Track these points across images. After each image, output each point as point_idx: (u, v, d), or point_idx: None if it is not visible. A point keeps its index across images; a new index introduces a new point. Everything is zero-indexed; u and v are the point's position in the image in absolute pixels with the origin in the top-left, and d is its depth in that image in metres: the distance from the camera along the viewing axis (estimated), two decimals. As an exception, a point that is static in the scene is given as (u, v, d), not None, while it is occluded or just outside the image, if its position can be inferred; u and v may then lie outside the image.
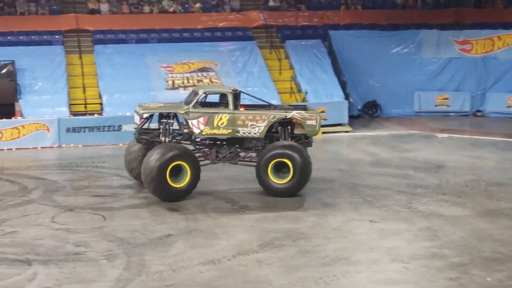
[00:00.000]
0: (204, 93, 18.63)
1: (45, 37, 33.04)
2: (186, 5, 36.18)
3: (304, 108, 19.61)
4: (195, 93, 18.87)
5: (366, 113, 33.70)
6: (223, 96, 18.98)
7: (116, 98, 29.30)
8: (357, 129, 30.22)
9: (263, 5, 36.97)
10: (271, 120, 18.57)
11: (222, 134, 18.51)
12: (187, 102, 18.71)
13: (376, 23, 36.32)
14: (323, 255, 13.71)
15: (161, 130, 18.50)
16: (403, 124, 31.39)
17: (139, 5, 35.81)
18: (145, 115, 18.33)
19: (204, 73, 31.90)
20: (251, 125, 18.48)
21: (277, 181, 18.19)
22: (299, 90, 32.13)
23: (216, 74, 31.94)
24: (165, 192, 17.67)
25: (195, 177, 17.87)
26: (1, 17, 33.63)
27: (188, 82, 31.19)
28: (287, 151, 18.08)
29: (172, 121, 18.53)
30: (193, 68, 31.98)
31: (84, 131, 26.89)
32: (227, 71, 32.22)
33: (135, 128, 18.93)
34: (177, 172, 17.68)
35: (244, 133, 18.53)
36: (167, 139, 18.26)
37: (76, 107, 29.12)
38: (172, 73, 31.53)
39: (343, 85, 32.39)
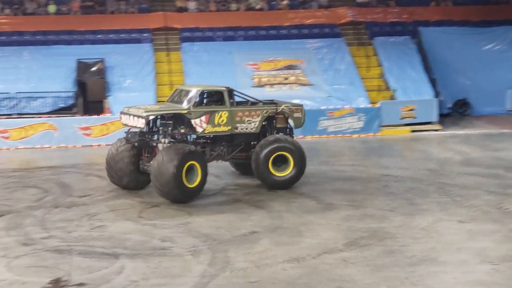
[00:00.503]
0: (201, 92, 18.62)
1: (133, 35, 33.63)
2: (273, 2, 36.19)
3: (275, 103, 19.94)
4: (182, 92, 18.85)
5: (456, 112, 33.02)
6: (215, 94, 18.88)
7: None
8: (447, 128, 29.58)
9: (351, 1, 36.63)
10: (264, 114, 19.09)
11: (222, 131, 18.63)
12: (176, 102, 18.63)
13: (467, 19, 35.57)
14: (409, 255, 13.39)
15: (160, 132, 18.33)
16: (495, 123, 30.57)
17: (226, 3, 36.03)
18: (150, 117, 17.92)
19: (291, 71, 31.83)
20: (248, 120, 18.81)
21: (278, 174, 18.67)
22: (387, 88, 31.70)
23: (302, 72, 31.81)
24: (181, 193, 17.24)
25: (205, 176, 17.70)
26: (92, 15, 34.38)
27: (275, 79, 31.18)
28: (287, 145, 18.68)
29: (171, 122, 18.17)
30: (279, 66, 31.96)
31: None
32: (313, 69, 32.07)
33: (126, 132, 18.84)
34: (188, 172, 17.35)
35: (242, 129, 18.81)
36: (166, 140, 17.98)
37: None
38: (258, 71, 31.59)
39: (433, 82, 31.81)
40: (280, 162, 18.68)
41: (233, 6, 35.78)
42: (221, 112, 18.45)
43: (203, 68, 31.21)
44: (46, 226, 15.59)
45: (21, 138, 26.40)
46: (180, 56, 32.33)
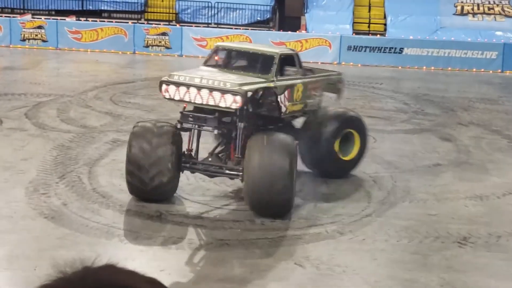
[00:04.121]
0: (281, 56, 12.55)
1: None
2: None
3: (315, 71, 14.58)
4: (242, 55, 12.93)
5: None
6: (287, 59, 12.83)
7: (401, 19, 28.74)
8: None
9: None
10: (323, 86, 14.02)
11: (295, 111, 13.18)
12: (234, 68, 12.54)
13: None
14: None
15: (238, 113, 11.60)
16: None
17: None
18: (249, 94, 11.41)
19: (496, 0, 30.15)
20: (313, 95, 13.62)
21: (344, 158, 13.45)
22: None
23: (508, 3, 30.06)
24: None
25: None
26: None
27: (478, 9, 29.70)
28: (354, 120, 13.90)
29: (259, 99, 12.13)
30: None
31: (364, 51, 26.79)
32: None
33: (184, 115, 11.72)
34: None
35: (309, 106, 13.45)
36: (242, 125, 11.70)
37: (360, 25, 29.03)
38: (462, -2, 30.19)
39: None
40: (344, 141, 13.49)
41: None
42: (298, 85, 12.82)
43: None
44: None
45: (217, 48, 27.04)
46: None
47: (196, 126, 11.66)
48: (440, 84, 23.63)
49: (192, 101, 11.34)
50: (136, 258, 9.40)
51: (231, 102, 11.13)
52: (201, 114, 11.56)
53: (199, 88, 11.25)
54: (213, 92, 11.21)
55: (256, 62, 12.52)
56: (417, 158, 15.03)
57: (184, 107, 11.76)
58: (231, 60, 12.74)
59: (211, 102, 11.24)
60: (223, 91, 11.19)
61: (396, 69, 25.87)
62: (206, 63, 12.49)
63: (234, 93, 11.13)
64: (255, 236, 10.60)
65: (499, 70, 26.42)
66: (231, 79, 11.55)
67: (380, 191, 12.83)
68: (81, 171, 13.02)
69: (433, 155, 15.28)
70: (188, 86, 11.32)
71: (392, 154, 15.19)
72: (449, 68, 26.50)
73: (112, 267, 1.47)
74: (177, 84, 11.37)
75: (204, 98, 11.23)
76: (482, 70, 26.45)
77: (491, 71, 26.37)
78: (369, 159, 14.67)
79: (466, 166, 14.64)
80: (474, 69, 26.47)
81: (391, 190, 12.86)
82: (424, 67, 26.48)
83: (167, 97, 11.52)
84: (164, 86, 11.41)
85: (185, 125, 11.67)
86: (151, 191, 11.41)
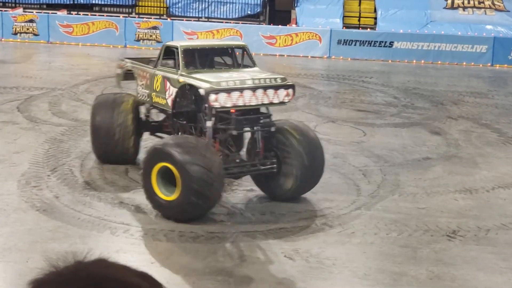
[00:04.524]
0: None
1: None
2: None
3: None
4: (217, 51, 12.66)
5: None
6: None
7: (391, 13, 28.84)
8: None
9: None
10: None
11: None
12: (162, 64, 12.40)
13: None
14: None
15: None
16: None
17: None
18: None
19: (486, -6, 30.24)
20: None
21: None
22: None
23: (498, -4, 30.15)
24: None
25: None
26: None
27: (469, 3, 29.81)
28: None
29: None
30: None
31: (355, 44, 26.86)
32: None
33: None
34: None
35: None
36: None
37: (350, 19, 29.10)
38: (452, -8, 30.30)
39: None
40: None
41: None
42: None
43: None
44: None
45: (208, 42, 27.06)
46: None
47: (259, 128, 11.51)
48: (430, 78, 23.74)
49: (247, 104, 11.16)
50: (128, 251, 9.45)
51: (284, 96, 11.38)
52: (253, 116, 11.51)
53: (254, 89, 11.15)
54: (268, 90, 11.25)
55: (229, 56, 12.42)
56: (407, 151, 15.12)
57: (231, 112, 11.26)
58: (201, 59, 12.15)
59: (266, 101, 11.29)
60: (276, 87, 11.32)
61: (386, 63, 25.98)
62: (162, 65, 12.27)
63: (286, 86, 11.39)
64: (245, 229, 10.66)
65: (489, 64, 26.56)
66: (269, 75, 11.86)
67: (369, 184, 12.90)
68: (73, 164, 13.07)
69: (423, 149, 15.38)
70: (241, 90, 11.08)
71: (382, 147, 15.27)
72: (439, 62, 26.61)
73: (104, 261, 1.50)
74: (228, 91, 11.02)
75: (259, 98, 11.21)
76: (472, 63, 26.58)
77: (481, 65, 26.50)
78: (359, 152, 14.77)
79: (456, 160, 14.74)
80: (464, 63, 26.60)
81: (380, 184, 12.94)
82: (414, 61, 26.58)
83: (217, 106, 11.05)
84: (213, 96, 10.96)
85: (243, 129, 11.64)
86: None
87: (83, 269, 1.44)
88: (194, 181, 10.28)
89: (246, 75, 11.56)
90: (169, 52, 12.22)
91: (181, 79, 11.61)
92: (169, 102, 11.94)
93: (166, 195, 10.64)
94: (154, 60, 12.77)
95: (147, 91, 12.48)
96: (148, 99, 12.58)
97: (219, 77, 11.42)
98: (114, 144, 12.73)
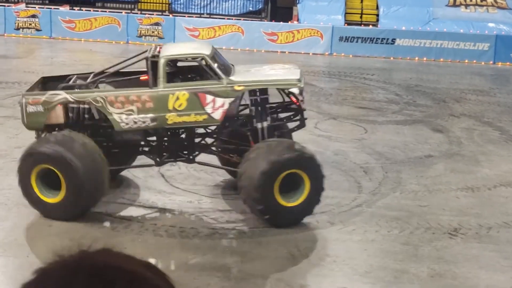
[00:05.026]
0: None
1: None
2: None
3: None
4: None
5: None
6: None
7: (393, 10, 28.75)
8: None
9: None
10: None
11: None
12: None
13: None
14: None
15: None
16: None
17: None
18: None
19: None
20: None
21: None
22: None
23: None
24: None
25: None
26: None
27: (471, 0, 29.74)
28: None
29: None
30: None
31: (356, 41, 26.80)
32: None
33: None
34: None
35: None
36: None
37: (352, 16, 29.01)
38: (454, -11, 30.22)
39: None
40: None
41: None
42: None
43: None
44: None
45: (210, 38, 26.98)
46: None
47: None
48: (432, 75, 23.70)
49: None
50: (128, 246, 9.44)
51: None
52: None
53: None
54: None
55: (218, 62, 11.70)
56: (408, 149, 15.09)
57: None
58: (219, 63, 11.52)
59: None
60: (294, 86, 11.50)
61: (388, 60, 25.92)
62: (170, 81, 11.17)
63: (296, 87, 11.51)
64: (246, 225, 10.66)
65: (491, 62, 26.50)
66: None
67: (371, 181, 12.88)
68: (74, 160, 13.04)
69: (425, 147, 15.35)
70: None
71: (383, 145, 15.25)
72: (441, 59, 26.57)
73: (108, 251, 1.50)
74: (302, 89, 11.44)
75: None
76: (474, 61, 26.53)
77: (483, 63, 26.44)
78: (360, 149, 14.75)
79: (458, 158, 14.71)
80: (466, 61, 26.55)
81: (382, 181, 12.92)
82: (416, 58, 26.53)
83: (303, 106, 11.67)
84: (300, 97, 11.37)
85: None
86: None
87: (88, 258, 1.45)
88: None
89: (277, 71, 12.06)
90: (171, 66, 11.38)
91: (238, 86, 11.07)
92: (219, 114, 10.94)
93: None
94: (122, 81, 11.54)
95: (151, 115, 10.79)
96: (153, 123, 10.87)
97: (281, 75, 11.69)
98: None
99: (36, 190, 10.35)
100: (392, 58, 26.00)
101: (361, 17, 29.03)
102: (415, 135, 16.25)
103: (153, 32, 27.24)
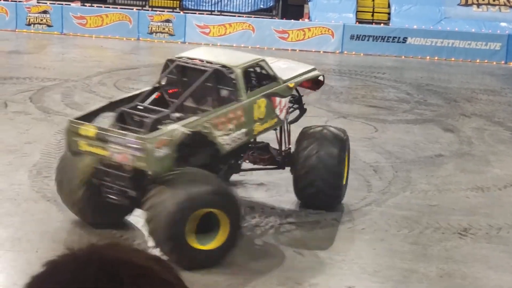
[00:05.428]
0: None
1: None
2: None
3: None
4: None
5: None
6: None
7: (405, 9, 28.68)
8: None
9: None
10: None
11: None
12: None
13: None
14: None
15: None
16: None
17: None
18: None
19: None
20: None
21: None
22: None
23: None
24: None
25: None
26: None
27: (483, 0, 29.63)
28: None
29: None
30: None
31: (368, 40, 26.75)
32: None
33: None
34: None
35: None
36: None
37: (363, 14, 28.95)
38: (466, -12, 30.12)
39: None
40: None
41: None
42: None
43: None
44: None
45: (220, 35, 26.99)
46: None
47: None
48: (443, 75, 23.62)
49: None
50: (137, 241, 9.45)
51: None
52: None
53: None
54: None
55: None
56: (419, 148, 15.05)
57: None
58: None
59: None
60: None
61: (399, 59, 25.86)
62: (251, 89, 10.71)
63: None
64: (254, 223, 10.65)
65: (503, 62, 26.40)
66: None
67: (380, 180, 12.85)
68: (84, 156, 13.06)
69: (435, 146, 15.31)
70: None
71: (394, 144, 15.21)
72: (453, 59, 26.48)
73: (117, 244, 1.51)
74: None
75: None
76: (486, 61, 26.43)
77: (494, 62, 26.35)
78: (370, 148, 14.71)
79: (468, 158, 14.67)
80: (478, 60, 26.46)
81: (391, 180, 12.89)
82: (428, 57, 26.46)
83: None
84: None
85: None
86: None
87: (97, 251, 1.46)
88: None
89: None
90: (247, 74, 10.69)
91: (291, 83, 11.15)
92: (284, 114, 11.15)
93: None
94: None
95: (245, 129, 10.37)
96: (245, 137, 10.52)
97: (302, 67, 12.24)
98: None
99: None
100: (403, 57, 25.95)
101: (372, 15, 28.96)
102: (426, 134, 16.21)
103: (164, 29, 27.25)
